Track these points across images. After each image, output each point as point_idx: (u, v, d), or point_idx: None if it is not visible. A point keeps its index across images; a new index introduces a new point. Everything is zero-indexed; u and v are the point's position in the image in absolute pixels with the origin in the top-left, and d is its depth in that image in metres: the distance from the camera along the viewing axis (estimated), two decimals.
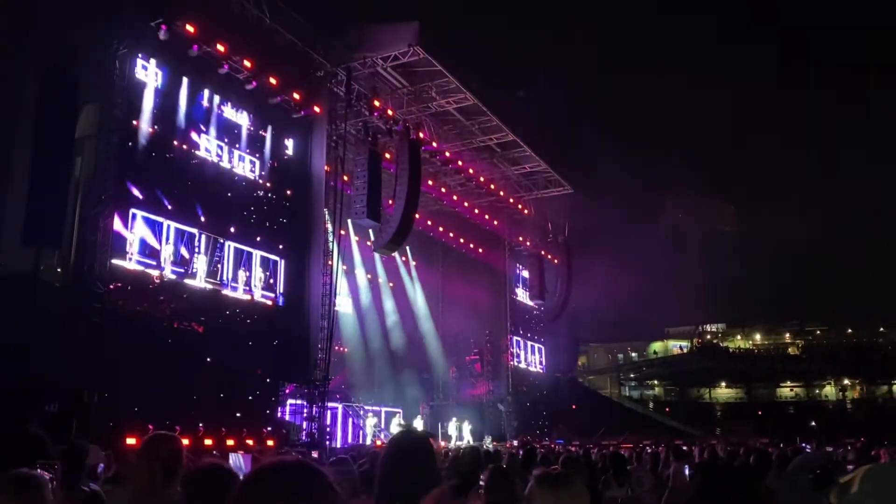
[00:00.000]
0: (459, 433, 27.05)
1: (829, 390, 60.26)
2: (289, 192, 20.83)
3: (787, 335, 68.49)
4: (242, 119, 19.64)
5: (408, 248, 28.98)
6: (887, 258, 52.36)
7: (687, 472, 7.10)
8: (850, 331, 65.58)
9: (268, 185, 20.26)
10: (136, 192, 16.30)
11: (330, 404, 20.61)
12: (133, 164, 16.31)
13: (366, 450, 11.65)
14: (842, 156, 50.71)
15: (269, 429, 18.75)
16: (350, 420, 23.19)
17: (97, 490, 4.45)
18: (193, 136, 18.04)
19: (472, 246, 32.93)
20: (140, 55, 16.38)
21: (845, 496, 2.15)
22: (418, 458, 2.67)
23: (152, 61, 16.74)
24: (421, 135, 23.03)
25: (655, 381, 64.80)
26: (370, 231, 25.01)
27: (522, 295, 35.55)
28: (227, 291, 18.62)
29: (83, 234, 15.07)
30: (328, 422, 20.24)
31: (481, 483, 5.15)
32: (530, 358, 37.09)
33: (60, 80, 14.35)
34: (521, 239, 33.71)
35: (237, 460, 12.68)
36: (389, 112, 22.30)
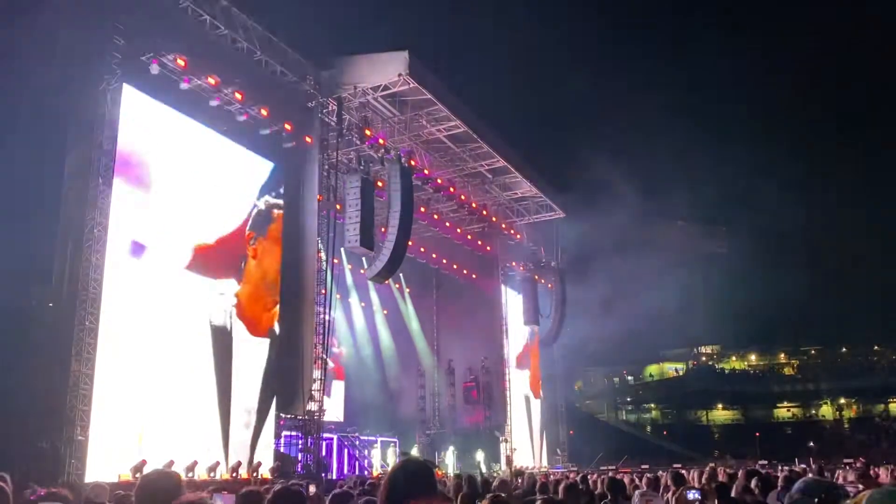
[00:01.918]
0: (457, 461, 26.79)
1: (826, 410, 60.14)
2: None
3: (782, 355, 68.46)
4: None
5: (401, 275, 28.95)
6: (881, 277, 52.72)
7: (690, 495, 7.00)
8: (844, 350, 65.64)
9: None
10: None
11: (325, 435, 20.38)
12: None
13: (361, 480, 11.51)
14: (838, 175, 51.31)
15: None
16: (346, 451, 22.93)
17: None
18: None
19: (465, 272, 32.91)
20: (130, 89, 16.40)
21: None
22: (419, 471, 2.69)
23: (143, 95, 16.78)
24: (413, 162, 23.12)
25: (652, 405, 64.58)
26: (363, 259, 24.98)
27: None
28: None
29: (74, 270, 14.94)
30: (323, 453, 20.00)
31: None
32: None
33: (49, 114, 14.33)
34: (514, 264, 33.73)
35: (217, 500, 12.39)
36: (381, 141, 22.41)
